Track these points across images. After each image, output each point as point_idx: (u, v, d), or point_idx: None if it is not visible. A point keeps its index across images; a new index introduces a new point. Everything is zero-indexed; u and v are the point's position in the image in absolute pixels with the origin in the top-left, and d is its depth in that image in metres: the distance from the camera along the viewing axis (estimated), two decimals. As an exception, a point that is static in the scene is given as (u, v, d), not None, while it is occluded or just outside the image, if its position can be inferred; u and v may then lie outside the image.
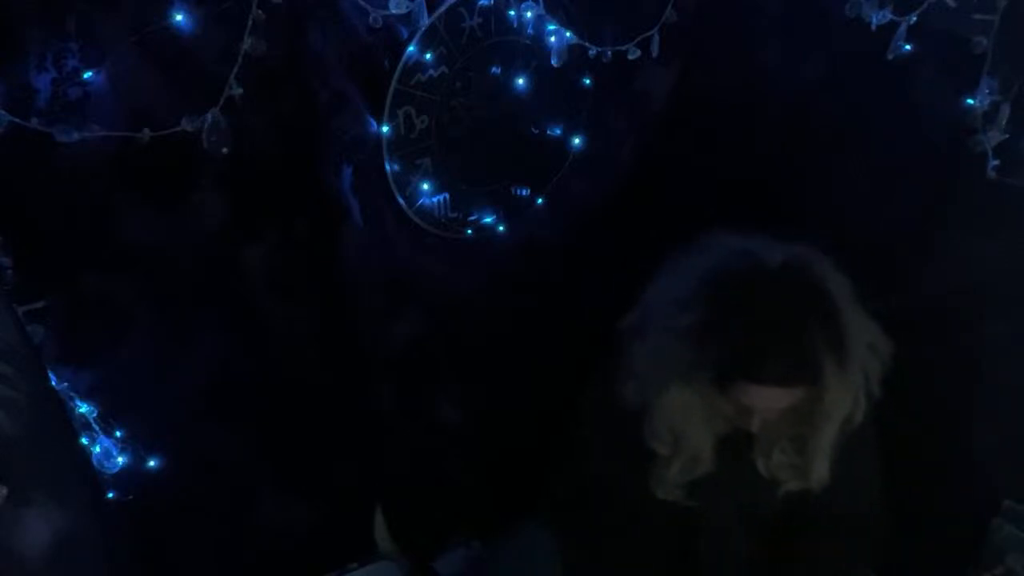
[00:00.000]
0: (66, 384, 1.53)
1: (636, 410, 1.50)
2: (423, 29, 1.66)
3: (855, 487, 1.57)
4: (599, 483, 1.63)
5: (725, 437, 1.51)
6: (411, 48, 1.67)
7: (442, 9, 1.68)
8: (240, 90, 1.42)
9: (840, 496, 1.55)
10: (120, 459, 1.59)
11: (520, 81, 1.87)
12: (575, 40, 1.76)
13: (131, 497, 1.61)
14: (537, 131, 1.98)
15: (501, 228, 2.02)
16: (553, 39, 1.74)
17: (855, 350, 1.37)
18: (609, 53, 1.81)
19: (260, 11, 1.39)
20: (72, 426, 1.51)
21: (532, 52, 1.84)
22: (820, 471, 1.50)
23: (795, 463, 1.53)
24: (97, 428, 1.56)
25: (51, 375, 1.46)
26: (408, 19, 1.64)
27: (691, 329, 1.37)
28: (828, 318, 1.35)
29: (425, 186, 1.84)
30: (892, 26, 1.76)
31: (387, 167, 1.76)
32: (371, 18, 1.55)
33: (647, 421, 1.50)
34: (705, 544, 1.64)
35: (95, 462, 1.56)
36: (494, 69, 1.83)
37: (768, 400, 1.39)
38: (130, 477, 1.61)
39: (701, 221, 1.48)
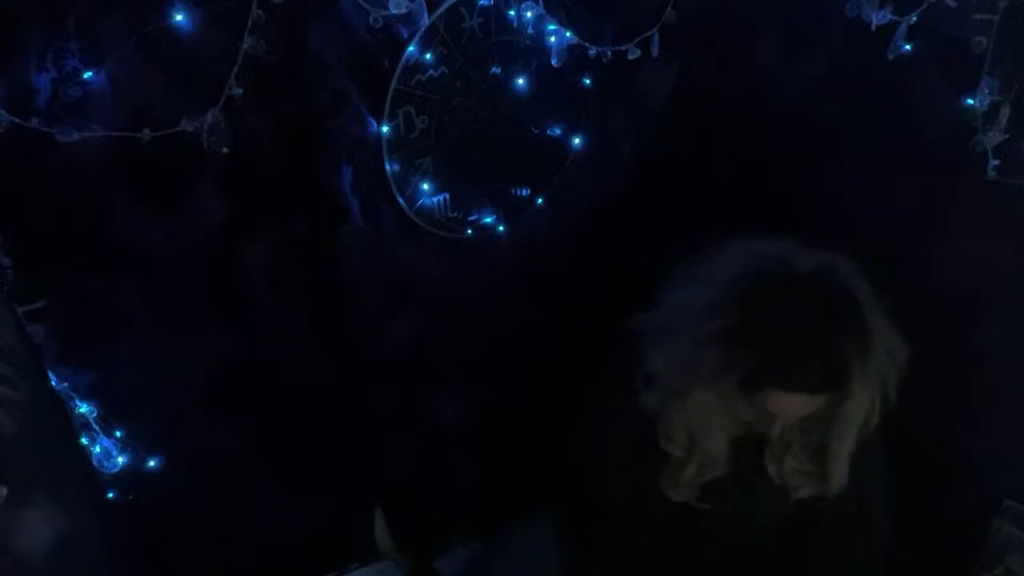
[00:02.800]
0: (66, 384, 1.53)
1: (649, 412, 1.50)
2: (423, 29, 1.66)
3: (865, 489, 1.57)
4: (605, 483, 1.63)
5: (737, 441, 1.50)
6: (411, 48, 1.67)
7: (442, 9, 1.68)
8: (240, 90, 1.42)
9: (850, 498, 1.54)
10: (120, 459, 1.59)
11: (520, 81, 1.87)
12: (575, 40, 1.76)
13: (131, 497, 1.61)
14: (537, 131, 1.98)
15: (501, 228, 2.02)
16: (553, 39, 1.74)
17: (877, 356, 1.37)
18: (609, 53, 1.81)
19: (260, 11, 1.40)
20: (72, 426, 1.51)
21: (532, 52, 1.84)
22: (840, 476, 1.49)
23: (806, 469, 1.52)
24: (97, 428, 1.56)
25: (51, 375, 1.47)
26: (408, 19, 1.64)
27: (721, 334, 1.35)
28: (858, 326, 1.35)
29: (425, 186, 1.84)
30: (892, 26, 1.76)
31: (387, 167, 1.76)
32: (371, 18, 1.55)
33: (662, 423, 1.49)
34: (711, 547, 1.64)
35: (95, 462, 1.56)
36: (494, 69, 1.83)
37: (795, 407, 1.39)
38: (130, 477, 1.61)
39: (701, 221, 1.48)
